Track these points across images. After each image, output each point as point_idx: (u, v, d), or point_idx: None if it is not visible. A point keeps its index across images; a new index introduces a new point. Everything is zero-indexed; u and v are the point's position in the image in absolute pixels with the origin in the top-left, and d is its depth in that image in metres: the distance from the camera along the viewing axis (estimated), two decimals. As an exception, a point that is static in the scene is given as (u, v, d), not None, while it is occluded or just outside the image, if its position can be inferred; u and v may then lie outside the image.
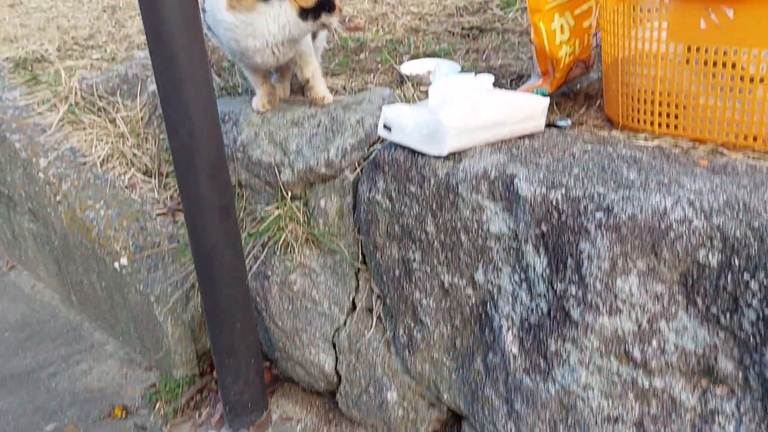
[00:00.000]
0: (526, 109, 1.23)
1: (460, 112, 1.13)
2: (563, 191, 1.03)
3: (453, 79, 1.21)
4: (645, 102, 1.34)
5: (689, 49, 1.23)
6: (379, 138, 1.45)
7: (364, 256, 1.44)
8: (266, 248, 1.53)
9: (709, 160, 1.18)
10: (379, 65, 2.06)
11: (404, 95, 1.71)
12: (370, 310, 1.48)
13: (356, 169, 1.43)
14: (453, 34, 2.33)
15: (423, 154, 1.21)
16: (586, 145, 1.22)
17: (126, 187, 1.86)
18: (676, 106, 1.30)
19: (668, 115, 1.32)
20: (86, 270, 1.88)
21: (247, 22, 1.39)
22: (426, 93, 1.67)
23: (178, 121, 1.21)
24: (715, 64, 1.21)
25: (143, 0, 1.16)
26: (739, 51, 1.17)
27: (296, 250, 1.48)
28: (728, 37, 1.17)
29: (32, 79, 2.20)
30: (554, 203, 1.03)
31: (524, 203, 1.07)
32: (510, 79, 1.84)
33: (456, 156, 1.19)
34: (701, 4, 1.17)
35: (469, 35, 2.30)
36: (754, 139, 1.23)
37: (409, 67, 1.90)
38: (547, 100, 1.29)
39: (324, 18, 1.43)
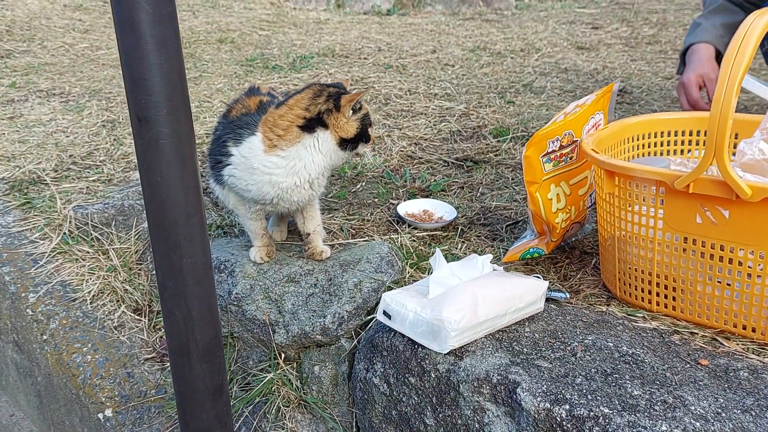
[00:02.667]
0: (527, 298, 1.23)
1: (461, 311, 1.12)
2: (567, 408, 1.02)
3: (452, 269, 1.22)
4: (642, 281, 1.34)
5: (686, 239, 1.25)
6: (377, 305, 1.44)
7: (359, 428, 1.40)
8: (257, 414, 1.49)
9: (710, 358, 1.17)
10: (376, 200, 2.08)
11: (401, 245, 1.72)
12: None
13: (353, 338, 1.41)
14: (447, 164, 2.37)
15: (423, 346, 1.20)
16: (587, 336, 1.22)
17: (115, 328, 1.82)
18: (674, 290, 1.30)
19: (666, 297, 1.32)
20: (69, 412, 1.82)
21: (290, 157, 1.42)
22: (423, 240, 1.68)
23: (174, 305, 1.19)
24: (712, 257, 1.22)
25: (143, 172, 1.16)
26: (736, 248, 1.18)
27: (287, 416, 1.44)
28: (725, 234, 1.19)
29: (27, 203, 2.19)
30: (558, 420, 1.01)
31: (527, 416, 1.05)
32: (505, 225, 1.86)
33: (457, 351, 1.18)
34: (696, 201, 1.20)
35: (463, 166, 2.34)
36: (753, 330, 1.23)
37: (404, 208, 1.92)
38: (545, 285, 1.29)
39: (360, 148, 1.49)
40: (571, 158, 1.50)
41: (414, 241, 1.77)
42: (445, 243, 1.77)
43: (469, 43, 4.36)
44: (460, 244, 1.75)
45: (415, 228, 1.85)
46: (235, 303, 1.57)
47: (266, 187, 1.44)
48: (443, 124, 2.78)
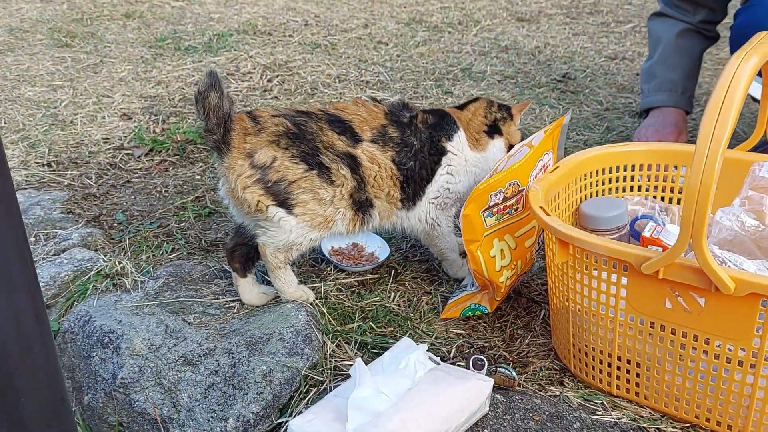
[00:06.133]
0: (470, 407, 1.02)
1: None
2: None
3: (377, 384, 0.98)
4: (601, 362, 1.14)
5: (652, 324, 1.05)
6: (290, 400, 1.20)
7: None
8: None
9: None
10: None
11: (324, 297, 1.47)
12: None
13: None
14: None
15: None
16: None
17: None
18: (637, 375, 1.11)
19: (628, 381, 1.13)
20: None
21: (487, 158, 1.47)
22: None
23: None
24: (683, 346, 1.03)
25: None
26: (712, 340, 0.99)
27: None
28: (699, 324, 0.99)
29: None
30: None
31: None
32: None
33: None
34: (666, 285, 0.99)
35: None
36: (729, 427, 1.05)
37: (330, 242, 1.66)
38: (490, 385, 1.07)
39: None
40: (516, 209, 1.28)
41: (339, 291, 1.53)
42: (376, 290, 1.54)
43: (404, 14, 4.04)
44: (393, 293, 1.52)
45: (342, 270, 1.61)
46: (121, 390, 1.30)
47: (472, 181, 1.44)
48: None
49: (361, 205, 1.34)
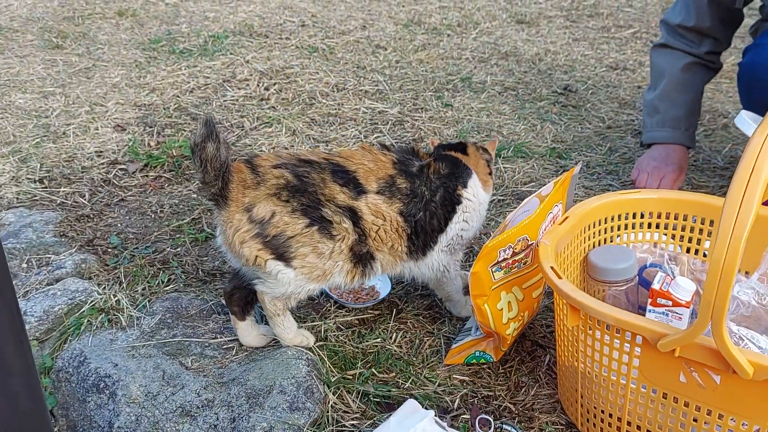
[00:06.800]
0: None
1: None
2: None
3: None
4: (610, 425, 1.12)
5: (665, 395, 1.02)
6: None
7: None
8: None
9: None
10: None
11: (324, 338, 1.45)
12: None
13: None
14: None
15: None
16: None
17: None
18: (648, 442, 1.09)
19: (638, 447, 1.11)
20: None
21: (487, 200, 1.47)
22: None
23: None
24: (696, 419, 1.01)
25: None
26: (726, 416, 0.97)
27: None
28: (714, 400, 0.97)
29: None
30: None
31: None
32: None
33: None
34: (681, 360, 0.97)
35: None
36: (740, 499, 1.03)
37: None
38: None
39: None
40: (524, 263, 1.25)
41: (340, 330, 1.50)
42: (377, 329, 1.51)
43: (402, 15, 3.97)
44: (394, 334, 1.50)
45: (342, 306, 1.58)
46: (118, 440, 1.27)
47: (480, 224, 1.46)
48: (375, 135, 2.47)
49: (361, 258, 1.31)
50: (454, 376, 1.38)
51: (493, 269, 1.20)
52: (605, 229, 1.35)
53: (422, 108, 2.69)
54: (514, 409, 1.28)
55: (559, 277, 1.07)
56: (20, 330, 0.85)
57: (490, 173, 1.48)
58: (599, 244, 1.34)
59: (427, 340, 1.48)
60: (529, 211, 1.22)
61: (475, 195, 1.40)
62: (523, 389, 1.34)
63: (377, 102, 2.74)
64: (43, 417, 0.91)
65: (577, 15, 4.01)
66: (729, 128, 2.48)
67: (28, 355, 0.86)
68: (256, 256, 1.25)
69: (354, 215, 1.27)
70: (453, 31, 3.69)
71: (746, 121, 1.38)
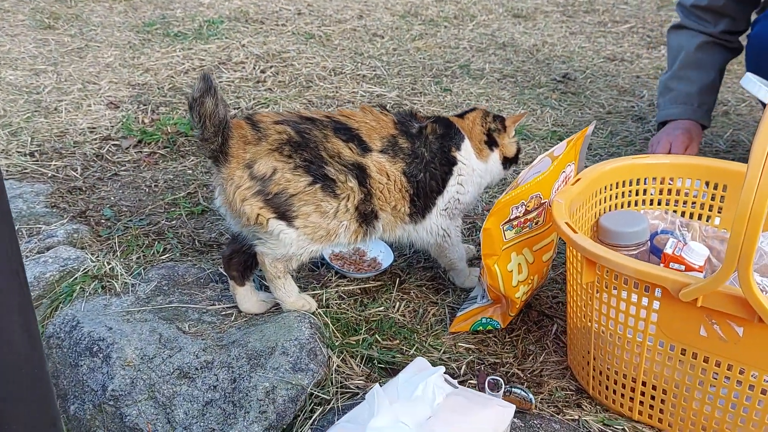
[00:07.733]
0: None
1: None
2: None
3: (395, 412, 0.91)
4: (623, 386, 1.09)
5: (683, 351, 0.99)
6: (295, 420, 1.13)
7: None
8: None
9: None
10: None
11: (326, 305, 1.41)
12: None
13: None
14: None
15: None
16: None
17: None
18: (662, 401, 1.06)
19: (651, 407, 1.08)
20: None
21: (485, 170, 1.43)
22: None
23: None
24: (715, 375, 0.98)
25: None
26: (748, 370, 0.94)
27: None
28: (736, 354, 0.94)
29: None
30: None
31: None
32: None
33: None
34: (702, 312, 0.94)
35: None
36: (759, 460, 1.01)
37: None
38: (512, 411, 1.01)
39: (511, 167, 1.50)
40: (537, 223, 1.22)
41: (341, 299, 1.46)
42: (380, 299, 1.47)
43: (399, 7, 3.95)
44: (398, 303, 1.46)
45: (343, 276, 1.54)
46: (111, 403, 1.22)
47: (477, 190, 1.43)
48: (372, 117, 2.44)
49: (366, 218, 1.27)
50: (460, 344, 1.34)
51: (505, 228, 1.17)
52: (616, 194, 1.32)
53: (421, 92, 2.66)
54: (522, 375, 1.25)
55: (575, 232, 1.04)
56: (16, 260, 0.80)
57: (493, 144, 1.44)
58: (610, 209, 1.32)
59: (431, 309, 1.45)
60: (540, 171, 1.19)
61: (468, 159, 1.38)
62: (531, 356, 1.30)
63: (375, 86, 2.71)
64: (40, 362, 0.86)
65: (574, 10, 4.01)
66: (730, 115, 2.48)
67: (27, 294, 0.82)
68: (258, 215, 1.21)
69: (362, 172, 1.24)
70: (450, 23, 3.68)
71: (753, 81, 1.36)
